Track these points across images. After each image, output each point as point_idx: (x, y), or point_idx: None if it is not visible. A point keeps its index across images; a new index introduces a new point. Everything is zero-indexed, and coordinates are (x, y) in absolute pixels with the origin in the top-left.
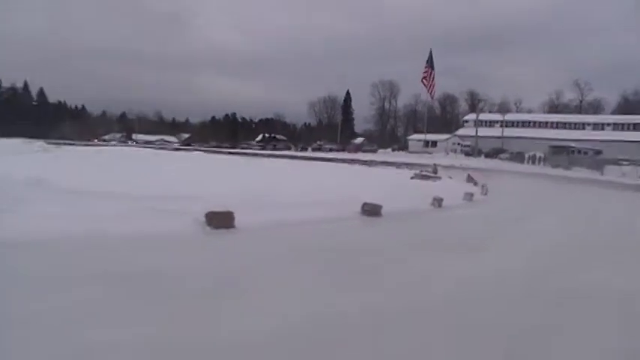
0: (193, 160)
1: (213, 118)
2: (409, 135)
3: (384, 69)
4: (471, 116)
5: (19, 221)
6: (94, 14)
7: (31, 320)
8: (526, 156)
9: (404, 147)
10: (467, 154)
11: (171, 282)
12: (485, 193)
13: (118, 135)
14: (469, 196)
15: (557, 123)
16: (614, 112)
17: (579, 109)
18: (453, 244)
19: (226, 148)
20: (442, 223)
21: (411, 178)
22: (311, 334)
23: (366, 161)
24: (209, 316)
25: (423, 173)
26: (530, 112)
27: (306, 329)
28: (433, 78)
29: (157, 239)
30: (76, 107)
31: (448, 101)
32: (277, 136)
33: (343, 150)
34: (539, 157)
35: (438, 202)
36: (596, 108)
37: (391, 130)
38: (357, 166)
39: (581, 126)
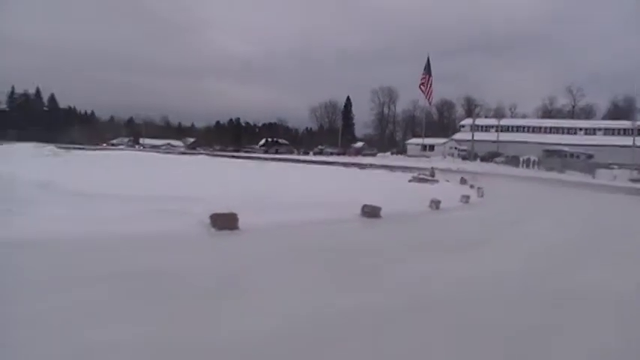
0: (198, 163)
1: (218, 122)
2: (407, 139)
3: (383, 75)
4: (468, 121)
5: (29, 222)
6: (105, 23)
7: (39, 320)
8: (521, 160)
9: (402, 151)
10: (463, 157)
11: (175, 282)
12: (482, 196)
13: (126, 139)
14: (466, 199)
15: (551, 128)
16: (604, 118)
17: (572, 115)
18: (450, 245)
19: (230, 151)
20: (440, 224)
21: (409, 181)
22: (312, 333)
23: (365, 165)
24: (212, 315)
25: (421, 176)
26: (524, 117)
27: (307, 328)
28: (431, 84)
29: (161, 240)
30: (86, 112)
31: (445, 106)
32: (280, 141)
33: (344, 154)
34: (534, 161)
35: (435, 204)
36: (588, 113)
37: (390, 135)
38: (356, 170)
39: (574, 131)
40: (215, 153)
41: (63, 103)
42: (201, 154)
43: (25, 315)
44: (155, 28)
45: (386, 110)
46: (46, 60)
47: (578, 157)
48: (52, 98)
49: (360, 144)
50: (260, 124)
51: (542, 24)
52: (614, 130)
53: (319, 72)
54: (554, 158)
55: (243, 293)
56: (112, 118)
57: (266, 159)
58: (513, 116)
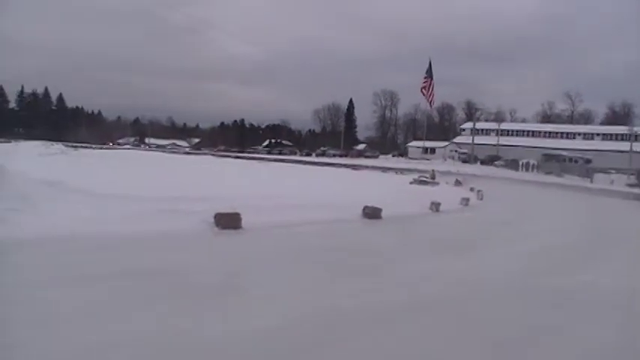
0: (203, 163)
1: (222, 123)
2: (409, 142)
3: (385, 78)
4: (468, 125)
5: (38, 221)
6: (113, 26)
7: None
8: (520, 163)
9: (404, 153)
10: (464, 160)
11: (179, 280)
12: (481, 199)
13: (132, 139)
14: (465, 201)
15: (550, 132)
16: (602, 123)
17: (570, 120)
18: (450, 246)
19: (234, 152)
20: (440, 226)
21: (410, 183)
22: (314, 332)
23: (367, 166)
24: (213, 313)
25: (422, 179)
26: (524, 121)
27: (308, 326)
28: (432, 88)
29: (166, 239)
30: (93, 112)
31: (446, 110)
32: (283, 142)
33: (346, 156)
34: (533, 165)
35: (435, 206)
36: (586, 119)
37: (392, 137)
38: (358, 171)
39: (572, 136)
40: (219, 153)
41: (71, 103)
42: (206, 154)
43: (43, 312)
44: (161, 31)
45: (388, 113)
46: (54, 61)
47: (576, 161)
48: (60, 98)
49: (362, 146)
50: (264, 126)
51: (541, 30)
52: (611, 135)
53: (322, 75)
54: (553, 162)
55: (245, 292)
56: (118, 118)
57: (269, 160)
58: (513, 120)
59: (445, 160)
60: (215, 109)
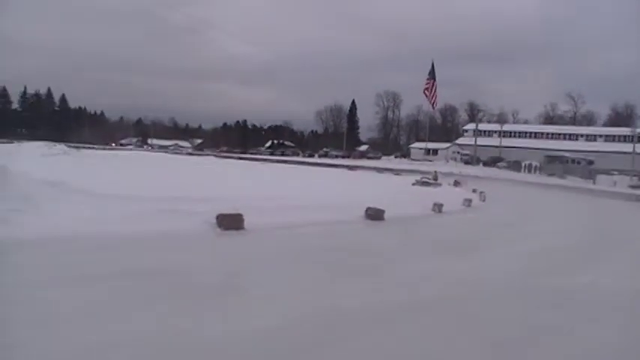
0: (206, 164)
1: (225, 124)
2: (411, 143)
3: (388, 80)
4: (471, 126)
5: (40, 222)
6: (116, 27)
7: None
8: (523, 165)
9: (406, 155)
10: (466, 162)
11: (180, 280)
12: (484, 200)
13: (135, 140)
14: (468, 202)
15: (552, 134)
16: (605, 124)
17: (573, 121)
18: (451, 247)
19: (237, 153)
20: (442, 227)
21: (413, 184)
22: (314, 329)
23: (370, 168)
24: (215, 312)
25: (424, 180)
26: (526, 122)
27: (308, 325)
28: (435, 89)
29: (168, 240)
30: (95, 113)
31: (449, 111)
32: (285, 143)
33: (348, 157)
34: (535, 166)
35: (438, 207)
36: (589, 120)
37: (394, 139)
38: (361, 172)
39: (575, 137)
40: (222, 154)
41: (73, 104)
42: (209, 155)
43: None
44: (162, 31)
45: (390, 114)
46: (56, 61)
47: (579, 162)
48: (63, 98)
49: (364, 147)
50: (266, 127)
51: (543, 31)
52: (614, 136)
53: (325, 76)
54: (556, 164)
55: (246, 292)
56: (121, 119)
57: (272, 161)
58: (516, 122)
59: (447, 161)
60: (217, 109)
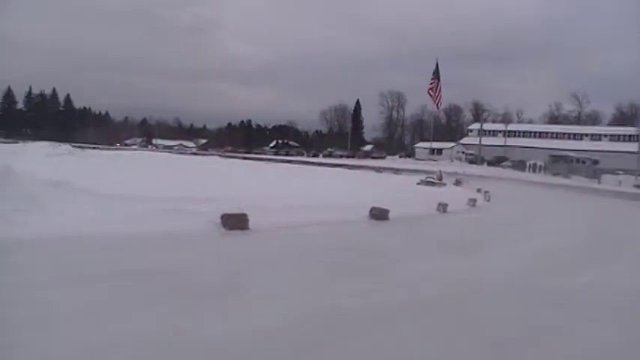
0: (210, 164)
1: (229, 124)
2: (416, 143)
3: (392, 79)
4: (475, 126)
5: (44, 222)
6: (119, 27)
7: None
8: (527, 164)
9: (411, 154)
10: (471, 161)
11: (185, 280)
12: (488, 200)
13: (139, 140)
14: (472, 202)
15: (557, 133)
16: (610, 124)
17: (578, 121)
18: (455, 247)
19: (241, 153)
20: (446, 227)
21: (417, 184)
22: (314, 329)
23: (374, 167)
24: (216, 312)
25: (429, 180)
26: (531, 122)
27: (308, 325)
28: (440, 89)
29: (173, 240)
30: (100, 113)
31: (453, 111)
32: (290, 143)
33: (353, 157)
34: (540, 166)
35: (442, 207)
36: (594, 119)
37: (399, 138)
38: (365, 172)
39: (580, 136)
40: (226, 154)
41: (78, 104)
42: (213, 155)
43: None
44: (167, 31)
45: (395, 114)
46: (61, 62)
47: (583, 162)
48: (68, 99)
49: (368, 147)
50: (270, 127)
51: (544, 31)
52: (619, 136)
53: (329, 75)
54: (560, 163)
55: (248, 292)
56: (125, 119)
57: (276, 161)
58: (520, 122)
59: (452, 161)
60: (222, 109)
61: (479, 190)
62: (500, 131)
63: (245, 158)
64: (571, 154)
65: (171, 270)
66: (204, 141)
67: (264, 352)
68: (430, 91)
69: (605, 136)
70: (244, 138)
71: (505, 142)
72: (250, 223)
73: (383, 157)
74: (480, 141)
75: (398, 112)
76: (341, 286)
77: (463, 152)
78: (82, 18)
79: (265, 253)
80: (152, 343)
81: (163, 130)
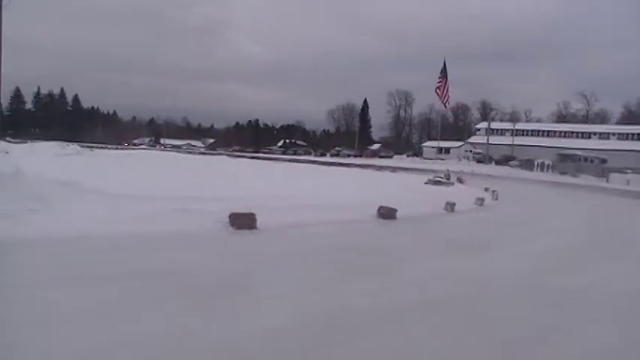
0: (218, 163)
1: (237, 123)
2: (423, 142)
3: (400, 79)
4: (483, 125)
5: (53, 221)
6: (128, 28)
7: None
8: (535, 163)
9: (418, 153)
10: (478, 160)
11: (189, 279)
12: (496, 199)
13: (147, 139)
14: (480, 201)
15: (565, 132)
16: (618, 123)
17: (586, 119)
18: (463, 246)
19: (249, 152)
20: (454, 226)
21: (425, 183)
22: (324, 329)
23: (381, 167)
24: (225, 312)
25: (437, 179)
26: (539, 121)
27: (319, 324)
28: (447, 88)
29: (182, 239)
30: (108, 112)
31: (461, 110)
32: (298, 142)
33: (360, 156)
34: (548, 165)
35: (450, 206)
36: (602, 118)
37: (406, 137)
38: (373, 172)
39: (588, 135)
40: (234, 154)
41: (86, 104)
42: (221, 154)
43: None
44: (175, 31)
45: (402, 113)
46: (70, 63)
47: (592, 161)
48: (76, 99)
49: (376, 146)
50: (278, 126)
51: (556, 29)
52: (628, 134)
53: (337, 75)
54: (568, 162)
55: (255, 292)
56: (133, 119)
57: (284, 160)
58: (528, 120)
59: (460, 160)
60: (229, 109)
61: (487, 189)
62: (508, 130)
63: (253, 158)
64: (579, 152)
65: (179, 270)
66: (212, 140)
67: (273, 352)
68: (437, 90)
69: (614, 134)
70: (252, 137)
71: (513, 141)
72: (258, 223)
73: (390, 157)
74: (488, 140)
75: (405, 111)
76: (350, 285)
77: (471, 151)
78: (89, 18)
79: (273, 252)
80: (161, 343)
81: (171, 129)
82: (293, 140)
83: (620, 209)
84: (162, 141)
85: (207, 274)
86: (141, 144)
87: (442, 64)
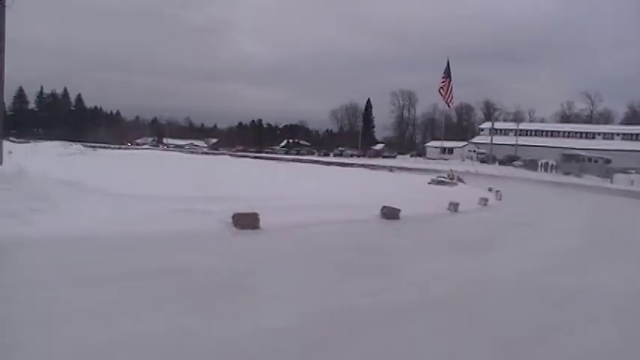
0: (221, 163)
1: (240, 123)
2: (427, 142)
3: (400, 79)
4: (487, 125)
5: (57, 221)
6: (130, 28)
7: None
8: (539, 163)
9: (422, 153)
10: (482, 161)
11: (192, 279)
12: (500, 199)
13: (150, 139)
14: (484, 202)
15: (569, 132)
16: (622, 123)
17: (590, 119)
18: (466, 246)
19: (252, 152)
20: (457, 226)
21: (429, 183)
22: (325, 328)
23: (385, 167)
24: (226, 312)
25: (440, 179)
26: (543, 121)
27: (319, 324)
28: (451, 88)
29: (185, 239)
30: (111, 112)
31: (464, 110)
32: (301, 142)
33: (364, 156)
34: (552, 165)
35: (454, 206)
36: (606, 118)
37: (410, 137)
38: (376, 172)
39: (592, 135)
40: (237, 153)
41: (89, 104)
42: (224, 154)
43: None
44: (179, 31)
45: (406, 113)
46: (73, 63)
47: (596, 161)
48: (79, 98)
49: (379, 146)
50: (281, 126)
51: (556, 29)
52: (632, 134)
53: (340, 75)
54: (572, 162)
55: (256, 292)
56: (136, 119)
57: (287, 160)
58: (532, 120)
59: (463, 160)
60: (232, 109)
61: (490, 190)
62: (511, 130)
63: (256, 157)
64: (583, 153)
65: (181, 270)
66: (215, 140)
67: (273, 352)
68: (441, 90)
69: (618, 134)
70: (255, 137)
71: (517, 141)
72: (261, 223)
73: (394, 157)
74: (492, 140)
75: (409, 111)
76: (351, 285)
77: (474, 151)
78: (91, 18)
79: (276, 252)
80: (161, 343)
81: (174, 129)
82: (296, 140)
83: (623, 210)
84: (165, 141)
85: (208, 273)
86: (144, 144)
87: (445, 64)
